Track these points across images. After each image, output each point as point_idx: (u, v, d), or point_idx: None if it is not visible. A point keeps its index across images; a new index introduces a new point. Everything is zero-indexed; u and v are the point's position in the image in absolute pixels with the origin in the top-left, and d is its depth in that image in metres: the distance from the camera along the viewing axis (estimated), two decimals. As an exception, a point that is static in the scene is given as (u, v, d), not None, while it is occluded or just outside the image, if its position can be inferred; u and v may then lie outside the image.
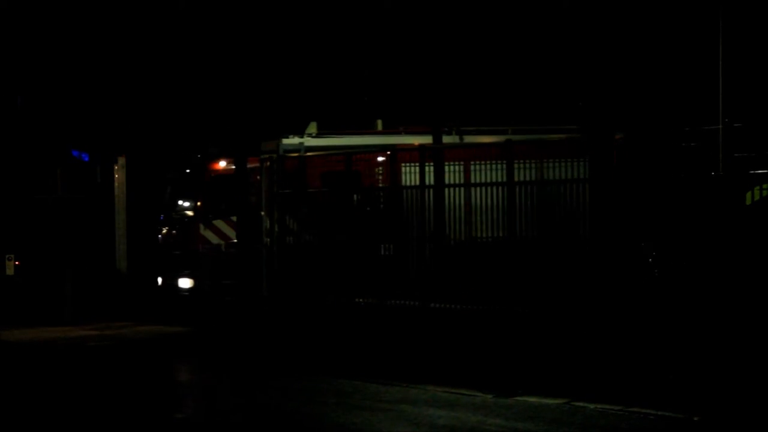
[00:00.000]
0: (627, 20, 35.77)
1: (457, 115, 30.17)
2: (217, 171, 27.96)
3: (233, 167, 27.29)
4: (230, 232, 27.35)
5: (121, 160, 31.89)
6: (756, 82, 30.91)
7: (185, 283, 27.95)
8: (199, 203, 28.03)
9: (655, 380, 16.69)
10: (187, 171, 29.09)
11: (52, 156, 27.81)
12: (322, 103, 40.78)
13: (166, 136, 34.75)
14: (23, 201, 35.27)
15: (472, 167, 22.93)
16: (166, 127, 38.37)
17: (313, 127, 28.22)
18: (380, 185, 25.90)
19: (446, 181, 21.82)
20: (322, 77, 43.22)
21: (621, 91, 35.78)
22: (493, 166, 21.73)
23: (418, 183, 21.90)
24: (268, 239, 24.30)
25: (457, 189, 20.87)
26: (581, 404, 16.60)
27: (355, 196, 23.07)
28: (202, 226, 27.60)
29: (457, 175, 22.65)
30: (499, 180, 20.12)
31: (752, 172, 17.27)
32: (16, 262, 30.36)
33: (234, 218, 27.26)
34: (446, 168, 23.22)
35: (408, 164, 25.78)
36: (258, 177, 25.69)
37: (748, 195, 16.80)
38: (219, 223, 27.61)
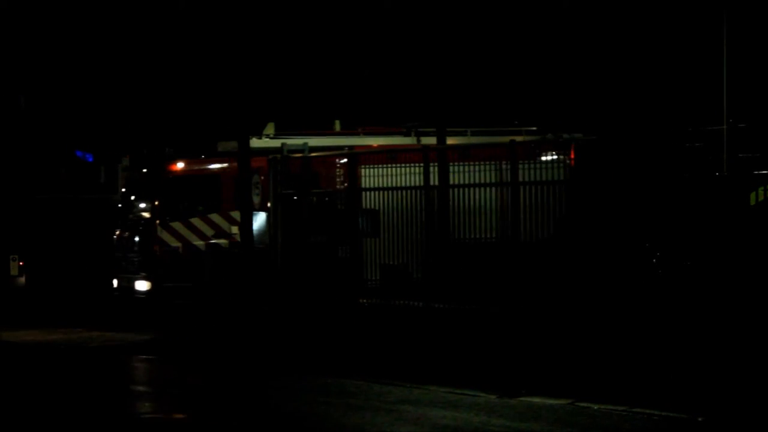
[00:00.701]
0: (626, 20, 35.89)
1: (420, 116, 30.15)
2: (175, 172, 27.57)
3: (192, 168, 27.26)
4: (188, 234, 27.08)
5: (125, 161, 31.83)
6: (758, 82, 30.93)
7: (142, 285, 27.51)
8: (156, 205, 27.60)
9: (659, 381, 16.66)
10: (144, 171, 28.58)
11: (56, 156, 27.74)
12: (280, 103, 40.79)
13: (169, 136, 34.75)
14: (25, 201, 35.33)
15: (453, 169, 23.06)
16: (168, 127, 38.42)
17: (270, 128, 28.21)
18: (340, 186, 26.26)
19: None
20: (283, 77, 43.22)
21: (616, 91, 35.94)
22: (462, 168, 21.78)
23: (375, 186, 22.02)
24: (269, 239, 24.33)
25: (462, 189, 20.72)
26: (585, 404, 16.57)
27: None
28: (159, 228, 27.23)
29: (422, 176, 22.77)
30: (494, 180, 20.00)
31: (756, 172, 17.23)
32: (20, 263, 30.39)
33: (192, 220, 27.10)
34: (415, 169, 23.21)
35: (367, 167, 25.92)
36: (263, 177, 25.70)
37: (752, 195, 16.77)
38: (177, 225, 27.24)
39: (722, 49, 20.30)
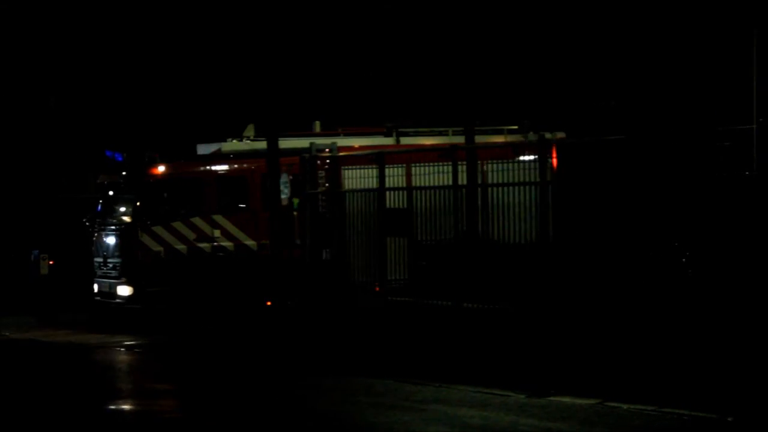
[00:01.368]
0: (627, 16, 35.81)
1: (404, 115, 30.01)
2: (156, 176, 27.13)
3: (173, 172, 26.91)
4: (170, 239, 26.78)
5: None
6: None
7: (124, 290, 27.14)
8: (137, 209, 27.14)
9: (688, 380, 16.63)
10: (123, 175, 28.13)
11: (86, 156, 27.64)
12: (260, 104, 40.77)
13: (199, 134, 34.73)
14: (49, 200, 35.53)
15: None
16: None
17: (250, 130, 28.06)
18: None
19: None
20: (263, 79, 43.20)
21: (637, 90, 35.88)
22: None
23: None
24: (300, 238, 24.37)
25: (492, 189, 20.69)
26: (614, 404, 16.55)
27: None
28: (140, 233, 26.83)
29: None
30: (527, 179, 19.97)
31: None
32: (50, 262, 30.51)
33: (174, 224, 26.76)
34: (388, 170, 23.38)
35: (349, 168, 25.97)
36: (291, 177, 25.73)
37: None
38: (158, 230, 26.87)
39: (751, 48, 20.21)
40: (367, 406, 17.01)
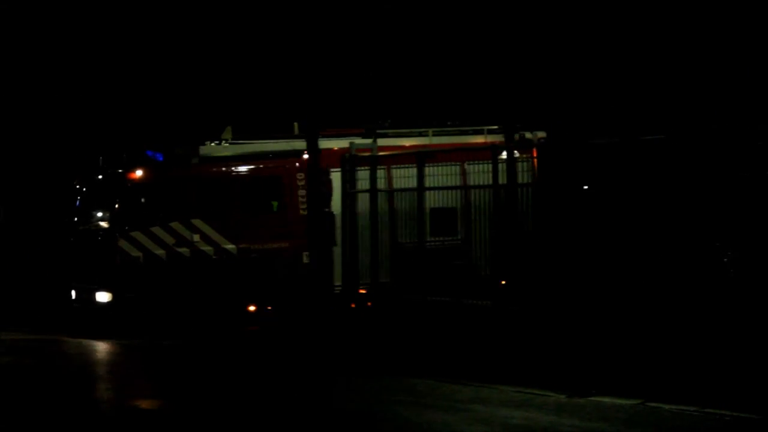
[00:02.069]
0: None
1: (382, 116, 29.79)
2: (135, 180, 26.49)
3: (151, 175, 26.40)
4: (150, 244, 26.22)
5: (195, 161, 31.80)
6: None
7: (103, 296, 26.54)
8: (115, 214, 26.45)
9: (730, 381, 16.57)
10: (99, 179, 27.46)
11: (126, 156, 27.36)
12: (236, 106, 40.74)
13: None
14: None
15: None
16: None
17: (228, 133, 27.59)
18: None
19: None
20: (238, 80, 43.17)
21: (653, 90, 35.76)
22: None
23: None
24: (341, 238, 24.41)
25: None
26: (656, 405, 16.50)
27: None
28: (119, 238, 26.23)
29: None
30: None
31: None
32: None
33: (153, 229, 26.23)
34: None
35: (335, 169, 25.98)
36: (329, 178, 25.75)
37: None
38: (137, 235, 26.23)
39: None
40: (407, 406, 17.02)
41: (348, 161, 24.16)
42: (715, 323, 17.06)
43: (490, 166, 20.70)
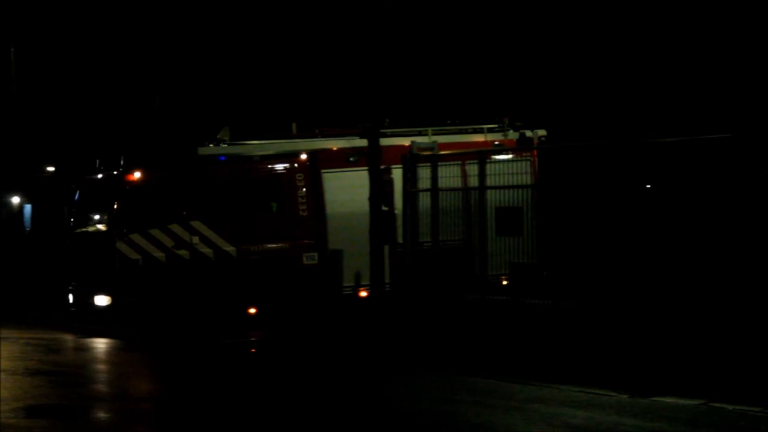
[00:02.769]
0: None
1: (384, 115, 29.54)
2: (133, 182, 26.06)
3: (149, 177, 26.02)
4: (148, 247, 25.82)
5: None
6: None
7: (101, 300, 26.10)
8: (113, 216, 26.03)
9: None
10: (97, 181, 27.05)
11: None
12: (234, 107, 40.65)
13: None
14: None
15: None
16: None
17: (225, 133, 27.28)
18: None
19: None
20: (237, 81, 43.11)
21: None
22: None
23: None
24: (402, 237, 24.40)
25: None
26: (719, 405, 16.38)
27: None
28: (118, 241, 25.78)
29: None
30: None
31: None
32: None
33: (153, 231, 25.85)
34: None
35: (329, 170, 25.80)
36: (391, 176, 25.73)
37: None
38: (136, 237, 25.84)
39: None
40: (467, 406, 17.01)
41: (409, 161, 24.15)
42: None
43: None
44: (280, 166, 26.94)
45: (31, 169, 44.05)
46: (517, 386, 18.39)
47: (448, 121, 28.62)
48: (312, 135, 28.15)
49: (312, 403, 17.72)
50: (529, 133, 27.17)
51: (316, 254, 26.62)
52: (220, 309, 26.12)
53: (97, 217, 26.81)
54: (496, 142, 27.71)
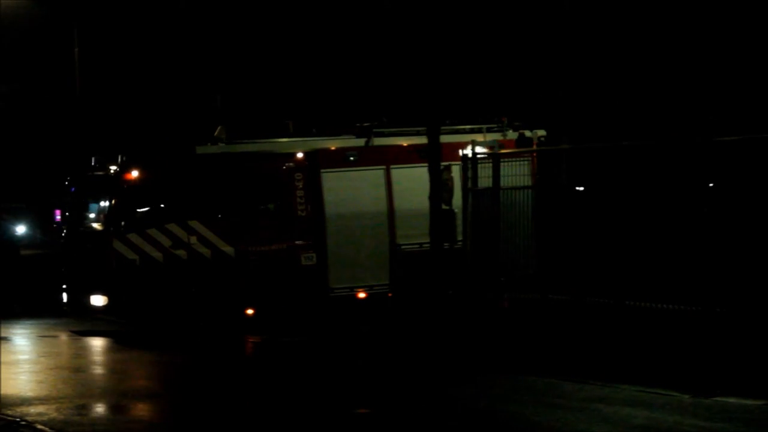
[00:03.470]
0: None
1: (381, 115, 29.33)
2: (131, 181, 25.59)
3: (148, 176, 25.66)
4: (146, 246, 25.47)
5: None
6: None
7: (98, 300, 25.65)
8: (111, 215, 25.65)
9: None
10: (93, 179, 26.62)
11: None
12: (231, 106, 40.55)
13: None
14: None
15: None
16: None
17: (221, 132, 26.75)
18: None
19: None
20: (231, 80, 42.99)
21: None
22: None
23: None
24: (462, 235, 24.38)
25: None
26: (783, 405, 16.28)
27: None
28: (116, 241, 25.36)
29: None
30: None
31: None
32: None
33: (151, 231, 25.49)
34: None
35: (328, 170, 25.60)
36: (451, 175, 25.66)
37: None
38: (133, 237, 25.46)
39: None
40: (528, 405, 16.99)
41: (471, 160, 24.11)
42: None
43: None
44: (278, 166, 26.59)
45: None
46: (578, 386, 18.32)
47: (447, 121, 28.41)
48: (309, 134, 27.92)
49: (374, 401, 17.79)
50: (528, 134, 27.06)
51: (314, 255, 26.36)
52: (218, 310, 25.79)
53: (93, 215, 26.54)
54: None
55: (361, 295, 26.63)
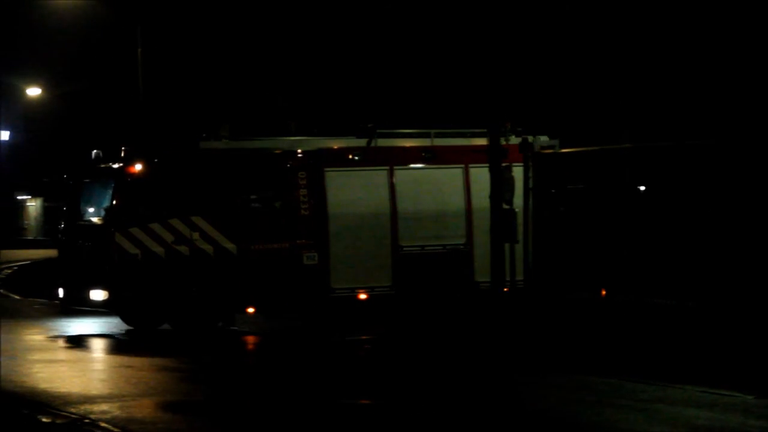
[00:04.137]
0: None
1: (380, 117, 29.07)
2: (134, 174, 25.24)
3: (151, 170, 25.34)
4: (148, 241, 25.03)
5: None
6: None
7: (98, 294, 25.18)
8: (113, 209, 25.16)
9: None
10: (94, 173, 26.29)
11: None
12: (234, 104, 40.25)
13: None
14: None
15: None
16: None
17: (225, 129, 26.50)
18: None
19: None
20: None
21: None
22: None
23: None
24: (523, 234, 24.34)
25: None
26: None
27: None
28: (118, 235, 24.91)
29: None
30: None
31: None
32: None
33: (153, 225, 25.08)
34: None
35: (332, 169, 25.36)
36: (512, 174, 25.60)
37: None
38: (136, 231, 25.04)
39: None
40: (588, 405, 16.92)
41: (532, 158, 24.08)
42: None
43: None
44: (282, 164, 26.30)
45: None
46: (639, 386, 18.21)
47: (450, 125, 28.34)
48: (311, 133, 27.77)
49: (443, 398, 17.79)
50: (531, 139, 26.93)
51: (316, 255, 25.98)
52: (219, 308, 25.56)
53: (93, 209, 26.22)
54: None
55: (362, 296, 26.27)
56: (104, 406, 16.35)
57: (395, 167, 26.37)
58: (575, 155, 23.83)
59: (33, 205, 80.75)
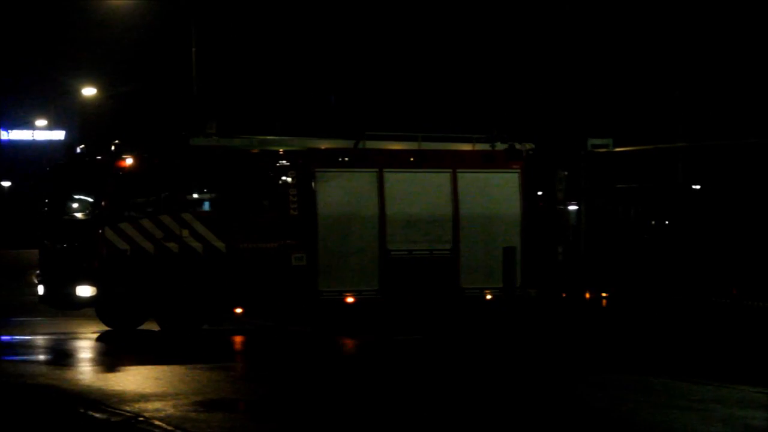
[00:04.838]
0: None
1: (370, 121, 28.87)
2: (125, 168, 24.79)
3: (142, 165, 24.89)
4: (139, 238, 24.67)
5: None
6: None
7: (84, 291, 24.56)
8: (101, 204, 24.79)
9: None
10: (80, 166, 25.90)
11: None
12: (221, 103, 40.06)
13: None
14: None
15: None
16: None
17: (213, 127, 26.19)
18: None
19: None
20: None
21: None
22: None
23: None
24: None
25: None
26: None
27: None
28: (107, 230, 24.52)
29: None
30: None
31: None
32: None
33: (144, 221, 24.75)
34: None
35: (322, 169, 25.14)
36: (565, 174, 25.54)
37: None
38: (125, 226, 24.64)
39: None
40: (644, 405, 16.84)
41: (583, 158, 24.01)
42: None
43: None
44: (272, 162, 26.06)
45: None
46: (694, 386, 18.11)
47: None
48: (303, 136, 27.64)
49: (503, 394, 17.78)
50: (518, 145, 26.80)
51: (304, 256, 25.78)
52: (207, 307, 25.29)
53: (77, 204, 25.86)
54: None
55: (350, 299, 26.09)
56: (158, 404, 16.43)
57: (385, 169, 26.24)
58: (629, 154, 23.69)
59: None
